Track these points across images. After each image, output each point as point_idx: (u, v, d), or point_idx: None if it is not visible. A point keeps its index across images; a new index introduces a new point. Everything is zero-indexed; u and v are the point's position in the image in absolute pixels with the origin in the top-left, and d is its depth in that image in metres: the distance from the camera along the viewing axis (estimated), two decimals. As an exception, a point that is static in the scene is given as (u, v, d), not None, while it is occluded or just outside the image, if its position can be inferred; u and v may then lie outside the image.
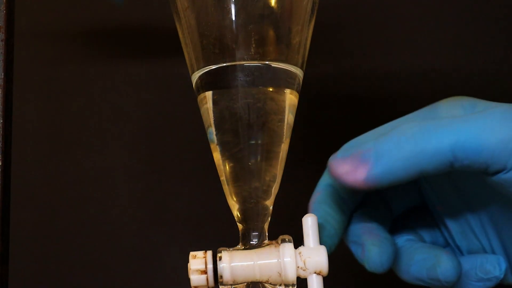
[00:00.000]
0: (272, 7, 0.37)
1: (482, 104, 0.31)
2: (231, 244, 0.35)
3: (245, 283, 0.34)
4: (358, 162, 0.29)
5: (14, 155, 0.63)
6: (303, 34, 0.38)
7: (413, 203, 0.36)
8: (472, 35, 0.71)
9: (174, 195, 0.71)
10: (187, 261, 0.33)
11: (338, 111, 0.70)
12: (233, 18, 0.36)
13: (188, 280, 0.33)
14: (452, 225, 0.34)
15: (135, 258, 0.70)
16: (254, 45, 0.36)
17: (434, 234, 0.36)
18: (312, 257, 0.32)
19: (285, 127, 0.37)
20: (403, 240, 0.35)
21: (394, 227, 0.36)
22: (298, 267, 0.32)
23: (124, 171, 0.71)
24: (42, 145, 0.71)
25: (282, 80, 0.37)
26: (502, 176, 0.28)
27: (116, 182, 0.71)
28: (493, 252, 0.33)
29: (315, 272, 0.32)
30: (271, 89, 0.37)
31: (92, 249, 0.71)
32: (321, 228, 0.33)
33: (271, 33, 0.37)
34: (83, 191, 0.71)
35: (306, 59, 0.39)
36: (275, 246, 0.33)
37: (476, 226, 0.33)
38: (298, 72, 0.38)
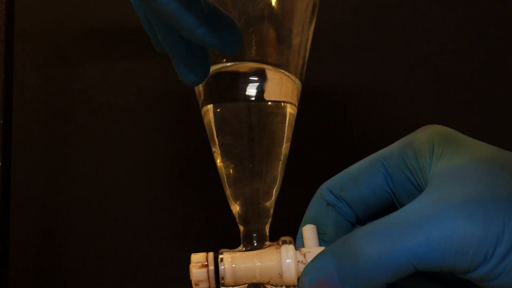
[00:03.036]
0: (272, 8, 0.37)
1: (448, 155, 0.30)
2: (232, 245, 0.35)
3: (246, 285, 0.34)
4: None
5: (14, 155, 0.63)
6: (304, 36, 0.38)
7: None
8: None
9: (174, 196, 0.71)
10: (188, 263, 0.33)
11: (339, 114, 0.71)
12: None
13: (189, 281, 0.33)
14: None
15: (135, 259, 0.71)
16: (255, 47, 0.36)
17: None
18: (313, 251, 0.32)
19: (286, 128, 0.37)
20: None
21: None
22: (298, 261, 0.32)
23: (124, 171, 0.71)
24: (42, 145, 0.71)
25: (283, 83, 0.37)
26: (467, 276, 0.27)
27: (117, 182, 0.71)
28: None
29: None
30: (272, 92, 0.37)
31: (91, 249, 0.71)
32: None
33: (271, 34, 0.37)
34: (82, 191, 0.71)
35: (307, 60, 0.39)
36: (276, 248, 0.33)
37: None
38: (299, 74, 0.38)
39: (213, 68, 0.36)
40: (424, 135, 0.32)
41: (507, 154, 0.30)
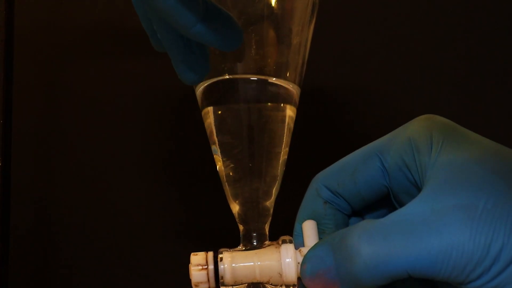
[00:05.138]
0: (272, 8, 0.37)
1: (448, 149, 0.30)
2: (232, 245, 0.35)
3: (246, 284, 0.34)
4: (326, 283, 0.30)
5: (14, 155, 0.63)
6: (304, 35, 0.38)
7: None
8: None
9: (174, 195, 0.71)
10: (188, 262, 0.33)
11: (338, 113, 0.71)
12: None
13: (189, 281, 0.33)
14: None
15: (135, 258, 0.71)
16: (254, 47, 0.36)
17: None
18: None
19: (285, 128, 0.37)
20: None
21: None
22: (298, 263, 0.32)
23: (124, 171, 0.71)
24: (42, 145, 0.71)
25: (282, 87, 0.37)
26: (461, 286, 0.27)
27: (117, 182, 0.71)
28: None
29: None
30: (272, 91, 0.37)
31: (92, 249, 0.71)
32: None
33: (271, 33, 0.37)
34: (83, 191, 0.71)
35: (306, 60, 0.39)
36: (276, 247, 0.33)
37: None
38: (299, 73, 0.38)
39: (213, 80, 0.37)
40: (422, 128, 0.32)
41: (508, 151, 0.29)
